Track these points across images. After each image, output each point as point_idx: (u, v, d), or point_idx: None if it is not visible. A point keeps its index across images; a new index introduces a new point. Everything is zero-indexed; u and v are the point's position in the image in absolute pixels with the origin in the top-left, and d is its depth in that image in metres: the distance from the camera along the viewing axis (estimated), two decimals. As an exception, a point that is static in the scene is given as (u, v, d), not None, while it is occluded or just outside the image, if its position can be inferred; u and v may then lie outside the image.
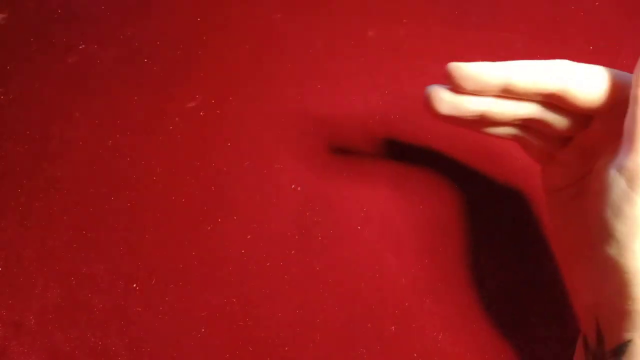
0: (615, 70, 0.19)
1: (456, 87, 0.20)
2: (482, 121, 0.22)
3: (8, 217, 0.29)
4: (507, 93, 0.20)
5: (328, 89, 0.32)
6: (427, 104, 0.22)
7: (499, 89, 0.20)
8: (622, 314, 0.18)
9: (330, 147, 0.30)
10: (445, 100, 0.21)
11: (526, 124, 0.22)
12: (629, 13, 0.35)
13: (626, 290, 0.18)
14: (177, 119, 0.31)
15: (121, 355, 0.25)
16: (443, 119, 0.22)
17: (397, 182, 0.29)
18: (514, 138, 0.23)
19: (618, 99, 0.19)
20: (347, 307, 0.25)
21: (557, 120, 0.21)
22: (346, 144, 0.30)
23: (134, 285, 0.26)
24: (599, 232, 0.19)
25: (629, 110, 0.18)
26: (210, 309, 0.26)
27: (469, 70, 0.20)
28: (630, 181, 0.17)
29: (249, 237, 0.27)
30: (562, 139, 0.22)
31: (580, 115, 0.21)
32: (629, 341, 0.18)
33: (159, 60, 0.33)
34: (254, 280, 0.26)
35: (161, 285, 0.26)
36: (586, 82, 0.19)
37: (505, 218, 0.27)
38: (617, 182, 0.18)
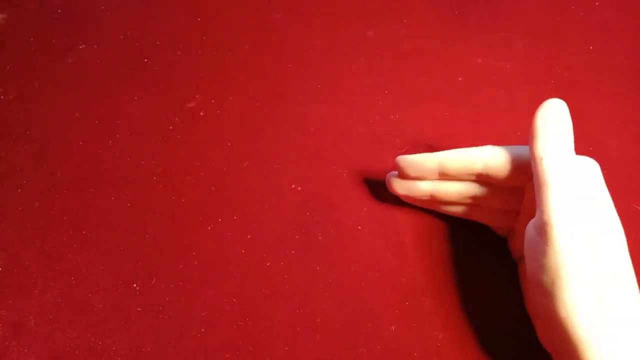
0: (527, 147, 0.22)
1: (403, 175, 0.25)
2: (434, 201, 0.26)
3: (8, 217, 0.29)
4: (445, 176, 0.24)
5: (328, 89, 0.32)
6: (398, 169, 0.25)
7: (436, 172, 0.24)
8: None
9: (330, 147, 0.30)
10: (399, 184, 0.26)
11: (475, 202, 0.25)
12: (629, 13, 0.35)
13: (571, 338, 0.19)
14: (177, 119, 0.31)
15: (121, 355, 0.25)
16: (403, 198, 0.27)
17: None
18: (470, 216, 0.26)
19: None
20: (347, 307, 0.25)
21: (496, 195, 0.24)
22: (346, 144, 0.30)
23: (134, 285, 0.26)
24: (534, 287, 0.21)
25: (533, 171, 0.21)
26: (210, 309, 0.26)
27: (410, 160, 0.24)
28: (542, 237, 0.20)
29: (249, 237, 0.27)
30: (512, 212, 0.25)
31: (513, 189, 0.24)
32: None
33: (159, 60, 0.33)
34: (254, 280, 0.26)
35: (161, 285, 0.26)
36: (504, 162, 0.23)
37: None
38: (533, 238, 0.20)
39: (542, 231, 0.19)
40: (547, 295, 0.19)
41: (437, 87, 0.32)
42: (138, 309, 0.26)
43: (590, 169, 0.20)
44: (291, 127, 0.31)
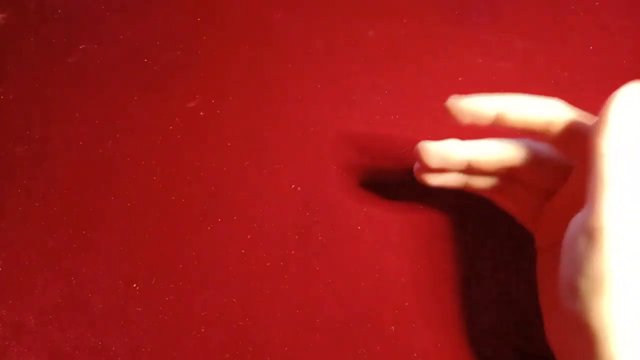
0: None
1: (453, 118, 0.22)
2: (470, 171, 0.24)
3: (8, 217, 0.28)
4: (499, 123, 0.22)
5: (328, 89, 0.32)
6: (418, 160, 0.23)
7: (492, 119, 0.22)
8: None
9: (330, 147, 0.30)
10: (434, 152, 0.23)
11: (512, 174, 0.23)
12: (629, 13, 0.35)
13: (592, 349, 0.17)
14: (177, 119, 0.31)
15: (121, 355, 0.25)
16: (432, 172, 0.24)
17: (398, 182, 0.29)
18: (501, 193, 0.24)
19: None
20: (347, 307, 0.25)
21: (539, 167, 0.22)
22: (346, 144, 0.30)
23: (134, 285, 0.26)
24: (565, 289, 0.19)
25: (590, 164, 0.18)
26: (210, 309, 0.26)
27: (466, 104, 0.22)
28: (590, 239, 0.17)
29: (249, 237, 0.27)
30: (546, 194, 0.23)
31: (560, 167, 0.22)
32: None
33: (159, 60, 0.33)
34: (254, 280, 0.26)
35: (161, 285, 0.26)
36: (571, 124, 0.20)
37: (506, 218, 0.27)
38: (578, 240, 0.18)
39: (591, 234, 0.17)
40: (581, 301, 0.18)
41: (437, 87, 0.32)
42: (138, 309, 0.26)
43: None
44: (291, 127, 0.31)
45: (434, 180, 0.25)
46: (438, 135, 0.30)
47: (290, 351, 0.25)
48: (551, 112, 0.21)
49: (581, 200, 0.19)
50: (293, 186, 0.29)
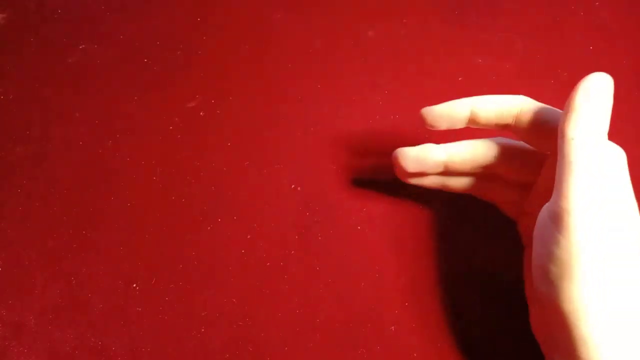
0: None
1: (430, 127, 0.24)
2: (447, 172, 0.24)
3: (8, 217, 0.29)
4: (473, 124, 0.23)
5: (328, 89, 0.32)
6: (395, 165, 0.25)
7: (466, 119, 0.23)
8: (571, 358, 0.18)
9: (330, 147, 0.30)
10: (411, 157, 0.24)
11: (488, 172, 0.24)
12: (629, 13, 0.35)
13: (567, 333, 0.18)
14: (177, 119, 0.31)
15: (121, 355, 0.25)
16: (411, 176, 0.25)
17: (398, 182, 0.29)
18: (480, 192, 0.25)
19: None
20: (347, 307, 0.25)
21: (514, 162, 0.23)
22: (346, 144, 0.30)
23: (134, 285, 0.26)
24: (538, 275, 0.19)
25: (558, 148, 0.19)
26: (210, 309, 0.26)
27: (438, 109, 0.23)
28: (556, 224, 0.18)
29: (249, 237, 0.27)
30: (525, 188, 0.24)
31: (533, 159, 0.23)
32: None
33: (159, 60, 0.33)
34: (254, 280, 0.26)
35: (161, 285, 0.26)
36: (538, 113, 0.21)
37: (506, 218, 0.27)
38: (546, 225, 0.19)
39: (558, 218, 0.18)
40: (552, 286, 0.18)
41: (437, 87, 0.32)
42: (138, 309, 0.26)
43: (618, 158, 0.19)
44: (291, 127, 0.31)
45: (414, 181, 0.26)
46: (438, 135, 0.30)
47: (290, 351, 0.25)
48: (519, 104, 0.22)
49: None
50: (293, 186, 0.29)
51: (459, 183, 0.25)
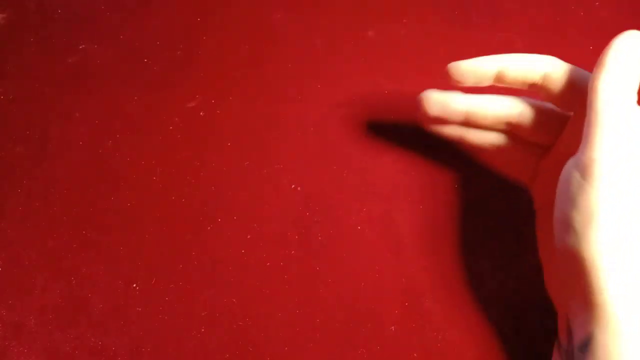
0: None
1: (456, 82, 0.24)
2: (468, 124, 0.24)
3: (8, 217, 0.29)
4: (499, 82, 0.23)
5: (328, 89, 0.32)
6: (419, 107, 0.25)
7: (493, 77, 0.23)
8: (586, 307, 0.18)
9: (330, 147, 0.30)
10: (434, 100, 0.24)
11: (511, 128, 0.24)
12: (629, 13, 0.35)
13: (587, 281, 0.18)
14: (177, 119, 0.31)
15: (121, 355, 0.25)
16: (432, 121, 0.25)
17: (398, 182, 0.29)
18: (498, 151, 0.25)
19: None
20: (347, 307, 0.25)
21: (537, 120, 0.23)
22: (346, 144, 0.30)
23: (134, 285, 0.26)
24: (559, 225, 0.20)
25: (587, 104, 0.19)
26: (210, 309, 0.26)
27: (465, 65, 0.23)
28: (583, 173, 0.18)
29: (249, 237, 0.27)
30: (543, 150, 0.24)
31: (557, 120, 0.23)
32: (592, 335, 0.18)
33: (159, 60, 0.33)
34: (254, 280, 0.26)
35: (161, 285, 0.26)
36: (565, 74, 0.21)
37: (505, 218, 0.27)
38: (573, 176, 0.19)
39: (585, 167, 0.18)
40: (574, 234, 0.18)
41: (437, 87, 0.32)
42: (138, 309, 0.26)
43: None
44: (291, 127, 0.31)
45: (434, 128, 0.26)
46: (438, 135, 0.30)
47: (290, 351, 0.25)
48: (548, 64, 0.22)
49: (576, 152, 0.19)
50: (293, 186, 0.29)
51: (478, 137, 0.25)
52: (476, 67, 0.23)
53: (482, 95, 0.24)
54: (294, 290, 0.26)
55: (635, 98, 0.19)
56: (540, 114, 0.23)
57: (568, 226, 0.19)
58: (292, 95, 0.32)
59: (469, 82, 0.23)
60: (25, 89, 0.33)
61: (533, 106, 0.23)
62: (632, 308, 0.17)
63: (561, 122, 0.23)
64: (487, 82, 0.23)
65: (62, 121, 0.31)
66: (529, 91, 0.23)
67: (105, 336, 0.25)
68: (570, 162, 0.20)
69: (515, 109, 0.23)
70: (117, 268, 0.27)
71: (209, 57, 0.33)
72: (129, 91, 0.32)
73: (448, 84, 0.24)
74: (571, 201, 0.19)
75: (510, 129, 0.24)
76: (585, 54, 0.33)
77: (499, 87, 0.24)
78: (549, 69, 0.22)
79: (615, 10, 0.35)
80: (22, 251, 0.27)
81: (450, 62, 0.23)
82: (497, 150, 0.25)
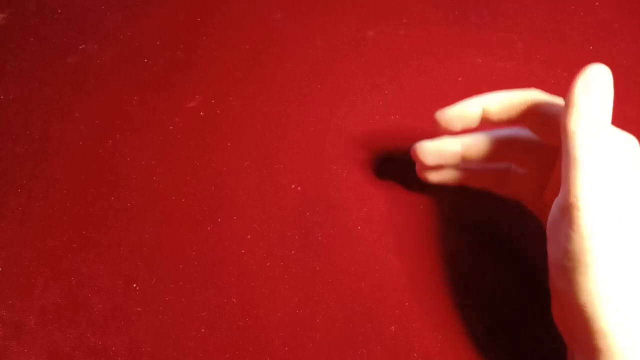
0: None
1: (444, 130, 0.23)
2: (465, 164, 0.25)
3: (8, 217, 0.29)
4: (486, 120, 0.23)
5: (328, 89, 0.32)
6: (415, 160, 0.25)
7: (479, 118, 0.23)
8: (592, 350, 0.18)
9: (330, 147, 0.30)
10: (429, 150, 0.24)
11: (505, 165, 0.24)
12: (629, 13, 0.35)
13: (589, 327, 0.18)
14: (177, 119, 0.31)
15: (121, 355, 0.25)
16: (430, 169, 0.25)
17: (398, 182, 0.29)
18: (498, 184, 0.25)
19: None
20: (347, 307, 0.25)
21: (529, 154, 0.23)
22: (346, 144, 0.30)
23: (134, 285, 0.26)
24: (553, 269, 0.19)
25: (562, 144, 0.19)
26: (210, 309, 0.26)
27: (451, 112, 0.23)
28: (565, 219, 0.18)
29: (249, 237, 0.27)
30: (544, 176, 0.23)
31: (548, 152, 0.22)
32: None
33: (159, 60, 0.33)
34: (254, 280, 0.26)
35: (161, 285, 0.26)
36: (547, 108, 0.21)
37: (505, 219, 0.27)
38: (557, 220, 0.19)
39: (567, 213, 0.18)
40: (567, 280, 0.18)
41: (437, 87, 0.32)
42: (138, 309, 0.26)
43: (628, 146, 0.19)
44: (291, 127, 0.31)
45: (434, 177, 0.26)
46: (438, 135, 0.30)
47: (290, 351, 0.25)
48: (529, 99, 0.22)
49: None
50: (293, 186, 0.29)
51: (478, 176, 0.25)
52: (460, 112, 0.23)
53: (475, 134, 0.24)
54: (294, 290, 0.26)
55: (610, 130, 0.19)
56: (535, 145, 0.23)
57: (561, 271, 0.19)
58: (292, 95, 0.32)
59: (457, 127, 0.23)
60: (25, 89, 0.33)
61: (527, 138, 0.23)
62: (634, 347, 0.17)
63: (556, 153, 0.22)
64: (474, 125, 0.23)
65: (62, 121, 0.31)
66: (518, 126, 0.23)
67: (105, 336, 0.25)
68: (554, 207, 0.19)
69: (510, 143, 0.23)
70: (117, 268, 0.27)
71: (209, 57, 0.34)
72: (129, 91, 0.32)
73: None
74: (559, 248, 0.18)
75: (508, 163, 0.24)
76: (585, 54, 0.33)
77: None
78: (531, 104, 0.22)
79: (615, 10, 0.35)
80: (22, 251, 0.27)
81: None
82: (499, 183, 0.25)
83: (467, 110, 0.23)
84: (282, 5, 0.35)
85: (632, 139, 0.19)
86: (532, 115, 0.22)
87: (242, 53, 0.34)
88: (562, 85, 0.32)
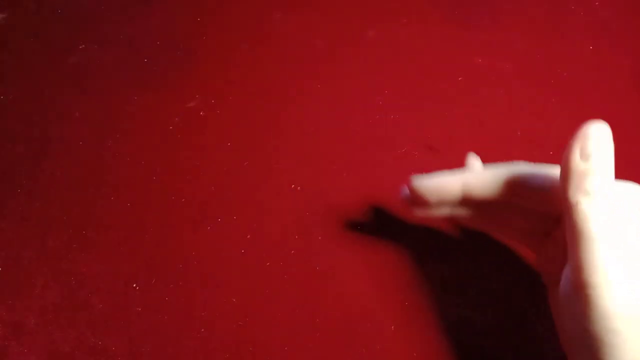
0: None
1: (420, 204, 0.22)
2: (465, 202, 0.22)
3: (8, 217, 0.28)
4: (467, 199, 0.21)
5: (328, 89, 0.32)
6: (414, 197, 0.22)
7: (459, 196, 0.21)
8: None
9: (330, 147, 0.30)
10: (428, 187, 0.22)
11: (507, 204, 0.21)
12: (629, 13, 0.35)
13: None
14: (177, 119, 0.31)
15: (121, 355, 0.25)
16: (429, 208, 0.23)
17: (398, 182, 0.29)
18: (499, 227, 0.23)
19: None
20: (347, 307, 0.25)
21: (526, 215, 0.21)
22: (346, 143, 0.30)
23: (134, 285, 0.26)
24: (573, 344, 0.18)
25: (564, 216, 0.17)
26: (210, 309, 0.26)
27: (429, 186, 0.21)
28: (578, 294, 0.17)
29: (249, 237, 0.27)
30: (545, 221, 0.21)
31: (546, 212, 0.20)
32: None
33: (159, 60, 0.33)
34: (254, 280, 0.26)
35: (161, 285, 0.26)
36: (537, 185, 0.19)
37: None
38: (572, 298, 0.17)
39: (581, 291, 0.16)
40: (590, 356, 0.17)
41: (437, 87, 0.32)
42: (138, 309, 0.26)
43: (632, 198, 0.17)
44: (291, 127, 0.31)
45: (424, 213, 0.23)
46: (438, 135, 0.30)
47: (290, 351, 0.25)
48: (515, 173, 0.20)
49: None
50: (293, 186, 0.29)
51: (476, 214, 0.23)
52: (439, 186, 0.21)
53: (475, 170, 0.22)
54: (294, 290, 0.26)
55: (613, 190, 0.17)
56: (543, 186, 0.20)
57: (582, 347, 0.17)
58: (292, 95, 0.32)
59: (433, 200, 0.21)
60: (25, 89, 0.33)
61: (531, 176, 0.20)
62: None
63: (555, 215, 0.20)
64: (452, 200, 0.21)
65: (62, 121, 0.31)
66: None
67: (105, 336, 0.25)
68: (565, 278, 0.18)
69: (513, 181, 0.20)
70: (117, 268, 0.27)
71: (209, 57, 0.33)
72: (129, 91, 0.32)
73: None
74: (578, 323, 0.17)
75: (512, 199, 0.21)
76: (585, 54, 0.33)
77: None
78: (518, 181, 0.20)
79: (615, 10, 0.35)
80: (21, 251, 0.27)
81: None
82: (497, 224, 0.23)
83: (446, 185, 0.21)
84: (282, 5, 0.35)
85: (633, 188, 0.18)
86: (521, 190, 0.20)
87: (242, 53, 0.34)
88: (562, 85, 0.32)
